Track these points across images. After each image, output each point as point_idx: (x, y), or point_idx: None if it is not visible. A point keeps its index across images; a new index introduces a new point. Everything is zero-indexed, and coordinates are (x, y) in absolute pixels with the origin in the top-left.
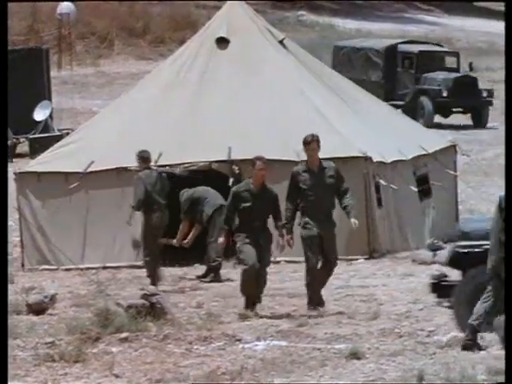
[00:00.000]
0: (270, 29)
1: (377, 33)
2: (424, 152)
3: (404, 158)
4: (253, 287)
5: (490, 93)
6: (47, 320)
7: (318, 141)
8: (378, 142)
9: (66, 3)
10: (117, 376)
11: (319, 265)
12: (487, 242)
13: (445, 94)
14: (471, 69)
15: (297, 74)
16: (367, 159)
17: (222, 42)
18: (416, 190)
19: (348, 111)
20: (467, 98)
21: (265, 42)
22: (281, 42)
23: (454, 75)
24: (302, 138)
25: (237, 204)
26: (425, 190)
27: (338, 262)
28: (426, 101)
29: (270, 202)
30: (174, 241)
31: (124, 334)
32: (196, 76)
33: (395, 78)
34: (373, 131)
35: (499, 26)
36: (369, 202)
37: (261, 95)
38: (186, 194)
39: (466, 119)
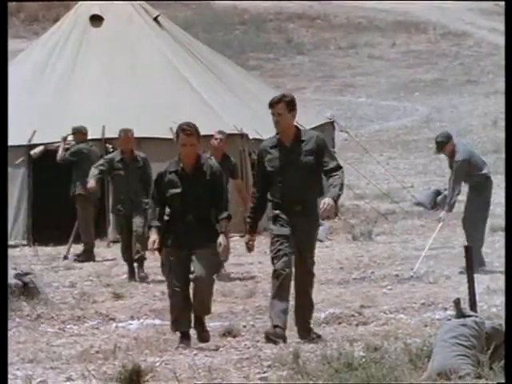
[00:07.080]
0: (145, 6)
1: (253, 10)
2: (301, 128)
3: None
4: (179, 304)
5: None
6: None
7: (288, 103)
8: (254, 118)
9: None
10: None
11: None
12: None
13: None
14: None
15: (171, 51)
16: (243, 136)
17: (96, 20)
18: None
19: (223, 88)
20: None
21: (139, 19)
22: (155, 19)
23: None
24: (174, 115)
25: (163, 190)
26: None
27: None
28: None
29: (205, 185)
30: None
31: None
32: (70, 54)
33: None
34: (248, 108)
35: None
36: (245, 179)
37: (135, 72)
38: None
39: None
